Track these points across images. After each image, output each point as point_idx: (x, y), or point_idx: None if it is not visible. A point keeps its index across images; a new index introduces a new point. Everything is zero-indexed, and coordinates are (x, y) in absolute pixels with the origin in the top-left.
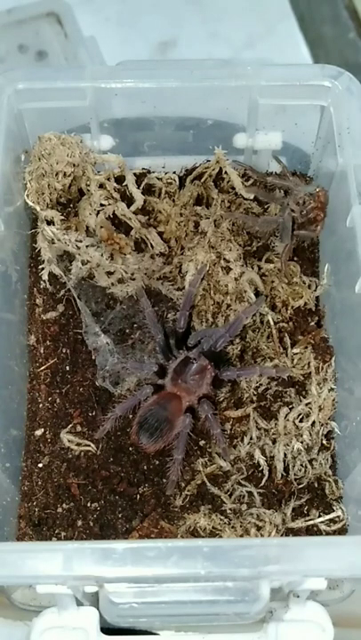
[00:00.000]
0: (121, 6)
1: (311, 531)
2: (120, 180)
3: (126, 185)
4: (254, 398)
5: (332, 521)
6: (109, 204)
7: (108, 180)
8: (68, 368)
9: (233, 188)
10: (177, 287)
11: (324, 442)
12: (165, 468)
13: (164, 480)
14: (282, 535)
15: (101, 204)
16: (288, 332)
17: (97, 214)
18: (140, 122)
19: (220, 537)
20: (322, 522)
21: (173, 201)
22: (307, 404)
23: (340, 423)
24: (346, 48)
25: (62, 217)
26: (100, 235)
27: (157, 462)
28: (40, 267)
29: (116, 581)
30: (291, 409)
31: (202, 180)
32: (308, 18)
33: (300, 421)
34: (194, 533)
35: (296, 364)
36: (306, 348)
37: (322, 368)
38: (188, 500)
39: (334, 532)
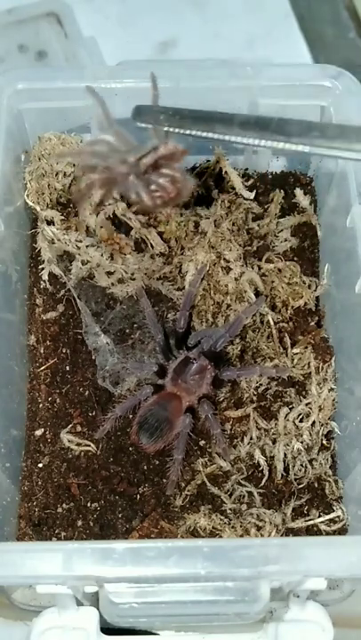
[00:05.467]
0: (121, 6)
1: (311, 531)
2: None
3: None
4: (254, 398)
5: (332, 521)
6: (109, 204)
7: None
8: (68, 368)
9: (233, 188)
10: (177, 287)
11: (324, 442)
12: (165, 468)
13: (164, 480)
14: (282, 535)
15: None
16: (288, 331)
17: (97, 214)
18: None
19: (220, 537)
20: (322, 522)
21: None
22: (307, 404)
23: (340, 423)
24: (346, 48)
25: (62, 217)
26: (100, 235)
27: (157, 462)
28: (40, 267)
29: (116, 581)
30: (291, 409)
31: (202, 180)
32: (308, 18)
33: (300, 421)
34: (194, 533)
35: (296, 364)
36: (306, 347)
37: (322, 368)
38: (188, 499)
39: (334, 532)
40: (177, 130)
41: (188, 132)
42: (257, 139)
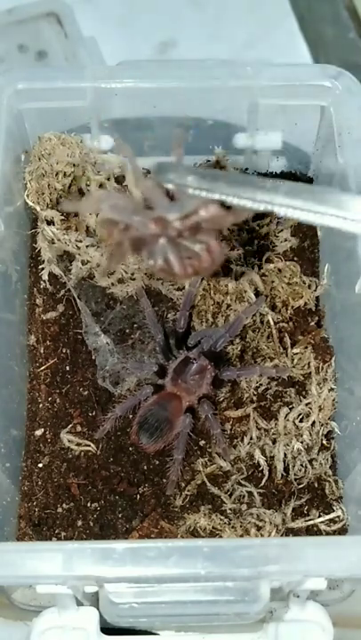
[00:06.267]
0: (121, 6)
1: (311, 531)
2: (120, 180)
3: (126, 185)
4: (254, 398)
5: (332, 521)
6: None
7: (108, 180)
8: (68, 368)
9: None
10: (177, 287)
11: (324, 442)
12: (165, 468)
13: (164, 480)
14: (282, 535)
15: None
16: (288, 331)
17: (97, 214)
18: (140, 122)
19: (220, 537)
20: (322, 522)
21: None
22: (307, 404)
23: (340, 423)
24: (346, 48)
25: (62, 217)
26: (100, 235)
27: (157, 462)
28: (40, 267)
29: (116, 581)
30: (291, 409)
31: None
32: (308, 18)
33: (300, 421)
34: (194, 533)
35: (296, 364)
36: (306, 347)
37: (322, 368)
38: (188, 499)
39: (334, 532)
40: (205, 194)
41: (219, 196)
42: (309, 213)
